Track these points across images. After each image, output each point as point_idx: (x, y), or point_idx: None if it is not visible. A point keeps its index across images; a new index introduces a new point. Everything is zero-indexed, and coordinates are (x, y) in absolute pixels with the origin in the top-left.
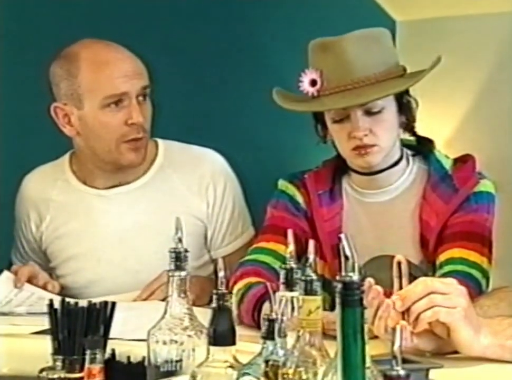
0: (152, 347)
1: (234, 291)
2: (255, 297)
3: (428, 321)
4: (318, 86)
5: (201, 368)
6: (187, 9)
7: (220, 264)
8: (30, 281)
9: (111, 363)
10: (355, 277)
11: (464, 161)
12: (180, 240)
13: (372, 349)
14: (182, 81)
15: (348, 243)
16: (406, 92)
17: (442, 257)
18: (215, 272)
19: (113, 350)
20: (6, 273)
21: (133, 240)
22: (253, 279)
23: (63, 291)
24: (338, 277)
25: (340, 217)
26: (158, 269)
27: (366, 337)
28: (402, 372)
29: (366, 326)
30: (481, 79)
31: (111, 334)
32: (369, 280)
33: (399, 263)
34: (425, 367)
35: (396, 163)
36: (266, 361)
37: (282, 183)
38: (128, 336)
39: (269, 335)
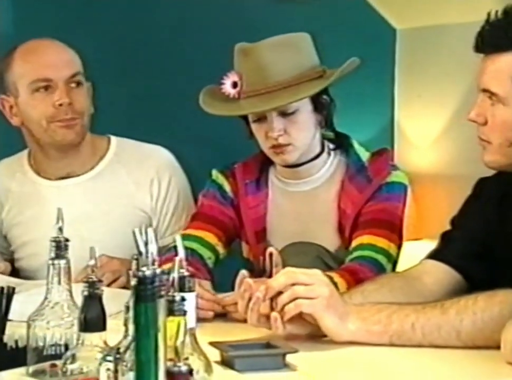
0: (33, 331)
1: None
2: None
3: (291, 314)
4: (238, 88)
5: (71, 352)
6: (128, 13)
7: (91, 253)
8: None
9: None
10: (148, 272)
11: (380, 154)
12: (60, 229)
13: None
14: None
15: (141, 238)
16: (323, 91)
17: (353, 243)
18: None
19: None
20: None
21: (80, 229)
22: None
23: (21, 273)
24: (132, 273)
25: (265, 205)
26: None
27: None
28: (184, 369)
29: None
30: (472, 83)
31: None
32: (243, 272)
33: (271, 254)
34: (281, 352)
35: (316, 157)
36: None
37: (214, 173)
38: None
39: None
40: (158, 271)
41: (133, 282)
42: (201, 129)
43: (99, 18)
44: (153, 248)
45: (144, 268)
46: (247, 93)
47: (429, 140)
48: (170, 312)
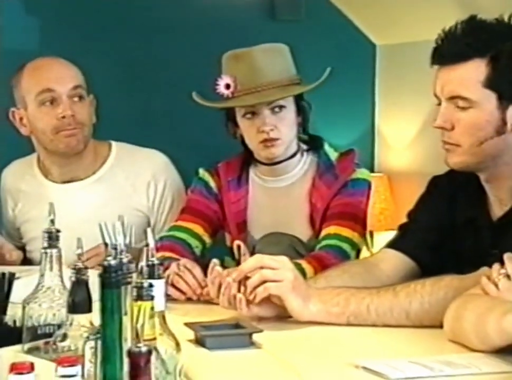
0: (28, 312)
1: None
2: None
3: (261, 296)
4: (232, 89)
5: (61, 331)
6: (130, 39)
7: (79, 243)
8: None
9: None
10: (113, 262)
11: (346, 154)
12: (52, 222)
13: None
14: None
15: (107, 231)
16: (302, 98)
17: (322, 233)
18: None
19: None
20: None
21: (80, 229)
22: (167, 254)
23: (33, 263)
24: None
25: (245, 200)
26: None
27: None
28: (144, 349)
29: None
30: None
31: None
32: (214, 261)
33: (238, 246)
34: (248, 332)
35: (292, 156)
36: None
37: (200, 172)
38: None
39: None
40: (125, 260)
41: (99, 270)
42: (191, 134)
43: (105, 42)
44: (120, 239)
45: (109, 258)
46: (241, 91)
47: (405, 142)
48: (139, 297)
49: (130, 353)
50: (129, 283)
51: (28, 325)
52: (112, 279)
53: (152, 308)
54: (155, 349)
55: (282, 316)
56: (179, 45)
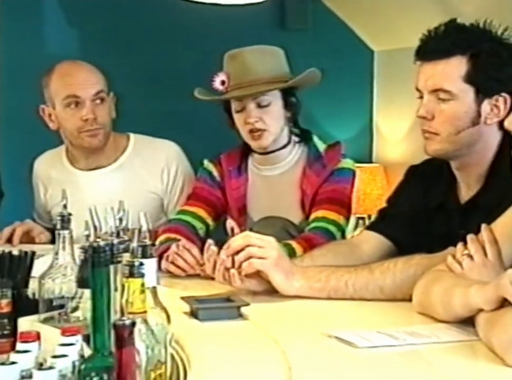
0: (43, 286)
1: (157, 241)
2: (160, 250)
3: (247, 271)
4: (226, 84)
5: (71, 303)
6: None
7: (86, 226)
8: (28, 233)
9: (19, 298)
10: (101, 243)
11: (333, 146)
12: (65, 206)
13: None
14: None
15: (96, 215)
16: (293, 94)
17: (311, 217)
18: None
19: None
20: None
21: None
22: (171, 235)
23: None
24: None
25: (244, 187)
26: None
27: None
28: (127, 322)
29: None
30: None
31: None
32: (209, 241)
33: (232, 228)
34: (236, 305)
35: (283, 147)
36: None
37: (205, 162)
38: None
39: None
40: (116, 241)
41: (89, 251)
42: (200, 127)
43: (130, 48)
44: (112, 223)
45: (98, 240)
46: (233, 86)
47: (399, 136)
48: (131, 274)
49: (114, 325)
50: (120, 261)
51: (44, 298)
52: (100, 259)
53: (142, 284)
54: (145, 321)
55: (271, 292)
56: (195, 53)
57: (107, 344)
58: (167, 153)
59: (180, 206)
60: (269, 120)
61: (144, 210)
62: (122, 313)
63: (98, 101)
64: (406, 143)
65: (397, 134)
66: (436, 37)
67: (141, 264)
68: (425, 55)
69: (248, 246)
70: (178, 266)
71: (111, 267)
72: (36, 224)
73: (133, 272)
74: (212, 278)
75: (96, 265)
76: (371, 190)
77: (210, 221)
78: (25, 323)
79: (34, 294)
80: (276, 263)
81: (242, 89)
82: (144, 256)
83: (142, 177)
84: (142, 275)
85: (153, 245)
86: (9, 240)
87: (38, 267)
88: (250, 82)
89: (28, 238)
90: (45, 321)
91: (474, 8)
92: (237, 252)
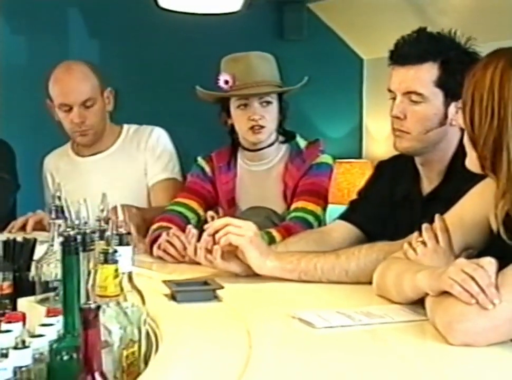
0: (39, 270)
1: (150, 229)
2: (152, 237)
3: (223, 243)
4: (230, 84)
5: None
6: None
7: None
8: (41, 222)
9: (20, 281)
10: (72, 232)
11: (313, 143)
12: (59, 198)
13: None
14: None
15: (68, 207)
16: (282, 99)
17: (292, 207)
18: None
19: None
20: None
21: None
22: (164, 224)
23: None
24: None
25: (233, 182)
26: None
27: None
28: (93, 306)
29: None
30: None
31: None
32: (189, 227)
33: (212, 217)
34: (211, 288)
35: (271, 144)
36: None
37: (198, 159)
38: None
39: None
40: (88, 231)
41: (60, 239)
42: (192, 118)
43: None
44: (84, 213)
45: (69, 229)
46: (239, 85)
47: (385, 135)
48: (105, 261)
49: (80, 309)
50: (92, 249)
51: (41, 280)
52: (71, 248)
53: (116, 270)
54: (119, 303)
55: (252, 275)
56: (196, 56)
57: (76, 325)
58: (154, 136)
59: (157, 177)
60: (269, 118)
61: (140, 186)
62: (88, 297)
63: (88, 104)
64: (391, 141)
65: (383, 133)
66: (410, 43)
67: (115, 251)
68: (398, 59)
69: (227, 225)
70: (168, 253)
71: (82, 255)
72: (46, 214)
73: (108, 258)
74: (198, 263)
75: (67, 253)
76: (360, 183)
77: (201, 212)
78: (24, 303)
79: (33, 277)
80: (251, 240)
81: (249, 88)
82: (120, 243)
83: (134, 158)
84: (115, 262)
85: (128, 233)
86: (22, 229)
87: (40, 252)
88: (255, 83)
89: (41, 226)
90: (41, 301)
91: (449, 21)
92: (218, 232)
